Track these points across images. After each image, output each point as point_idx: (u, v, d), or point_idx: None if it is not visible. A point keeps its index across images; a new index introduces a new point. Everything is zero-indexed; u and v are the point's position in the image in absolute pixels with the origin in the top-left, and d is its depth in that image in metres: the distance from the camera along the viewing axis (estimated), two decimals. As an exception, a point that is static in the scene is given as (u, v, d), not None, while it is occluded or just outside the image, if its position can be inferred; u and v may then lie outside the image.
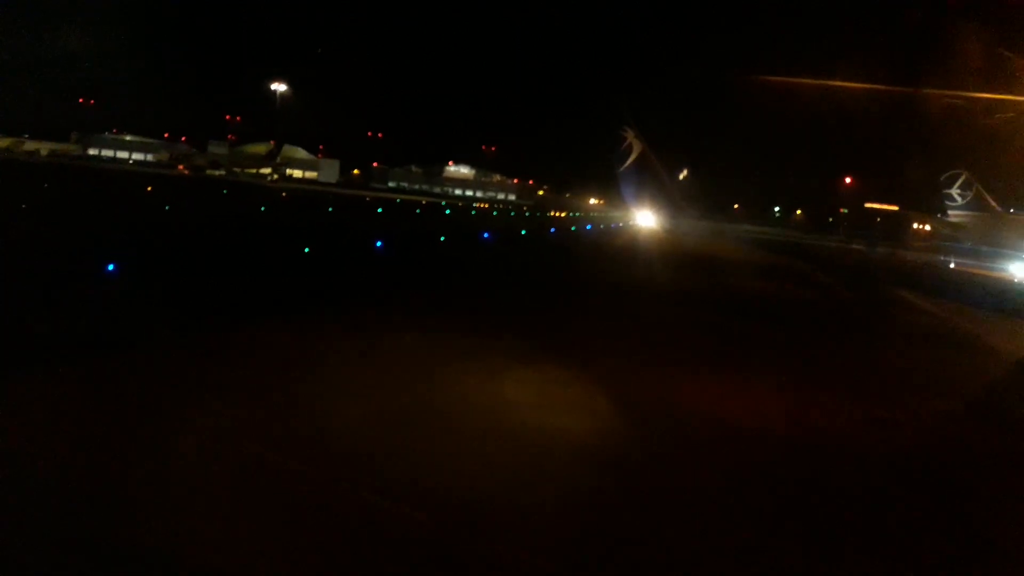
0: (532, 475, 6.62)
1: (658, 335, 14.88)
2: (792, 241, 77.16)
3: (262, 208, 46.04)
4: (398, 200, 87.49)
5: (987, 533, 6.63)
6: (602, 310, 17.81)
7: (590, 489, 6.50)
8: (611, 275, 26.66)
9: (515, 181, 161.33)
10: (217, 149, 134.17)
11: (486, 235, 38.39)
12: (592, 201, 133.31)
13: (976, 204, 70.51)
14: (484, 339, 12.43)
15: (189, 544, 4.88)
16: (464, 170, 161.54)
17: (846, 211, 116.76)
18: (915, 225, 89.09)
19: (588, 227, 62.88)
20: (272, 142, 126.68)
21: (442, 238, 34.14)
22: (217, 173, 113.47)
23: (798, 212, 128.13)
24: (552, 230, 54.01)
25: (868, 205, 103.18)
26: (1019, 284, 41.46)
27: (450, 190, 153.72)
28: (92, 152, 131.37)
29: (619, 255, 38.12)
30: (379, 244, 25.80)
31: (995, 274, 48.23)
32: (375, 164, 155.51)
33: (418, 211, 63.76)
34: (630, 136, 61.83)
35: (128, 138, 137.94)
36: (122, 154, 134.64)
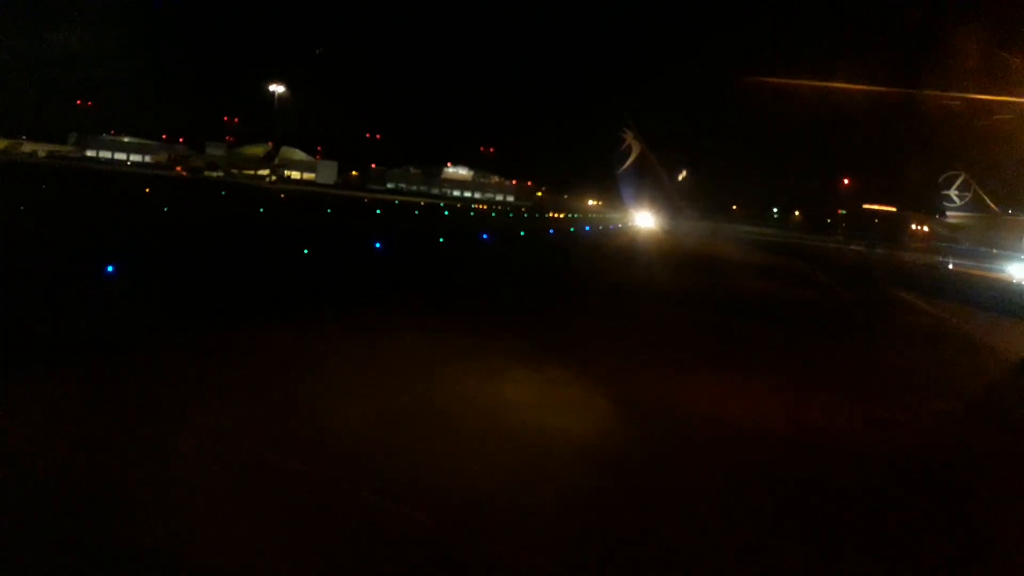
0: (532, 475, 6.62)
1: (658, 335, 14.88)
2: (791, 242, 77.20)
3: (261, 209, 45.99)
4: (396, 201, 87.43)
5: (987, 533, 6.63)
6: (602, 310, 17.81)
7: (590, 489, 6.50)
8: (611, 275, 26.67)
9: (513, 182, 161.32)
10: (215, 150, 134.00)
11: (485, 236, 38.38)
12: (590, 202, 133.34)
13: (974, 205, 70.53)
14: (484, 339, 12.43)
15: (189, 544, 4.87)
16: (462, 171, 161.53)
17: (844, 212, 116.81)
18: (913, 226, 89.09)
19: (587, 228, 62.90)
20: (270, 143, 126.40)
21: (441, 239, 34.14)
22: (215, 174, 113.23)
23: (796, 213, 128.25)
24: (551, 231, 54.02)
25: (866, 206, 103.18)
26: (1018, 285, 41.51)
27: (448, 191, 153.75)
28: (90, 153, 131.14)
29: (618, 256, 38.12)
30: (378, 245, 25.80)
31: (994, 275, 48.28)
32: (373, 165, 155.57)
33: (417, 212, 63.73)
34: (629, 137, 61.77)
35: (126, 139, 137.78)
36: (120, 155, 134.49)
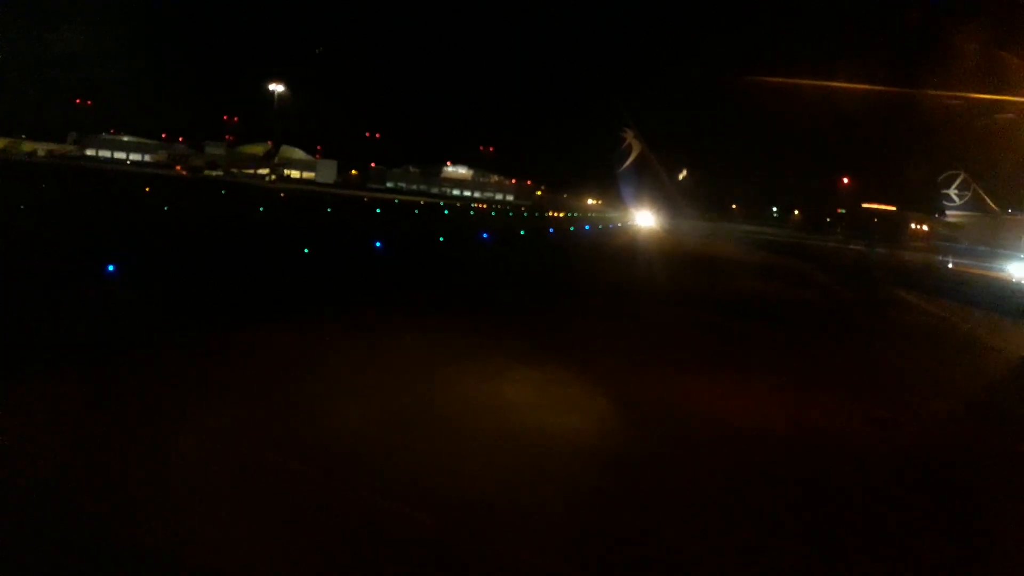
0: (532, 475, 6.62)
1: (658, 335, 14.88)
2: (791, 241, 77.16)
3: (261, 209, 45.98)
4: (396, 201, 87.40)
5: (987, 533, 6.63)
6: (602, 310, 17.81)
7: (590, 489, 6.50)
8: (610, 275, 26.67)
9: (513, 181, 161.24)
10: (214, 150, 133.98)
11: (485, 235, 38.38)
12: (589, 201, 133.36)
13: (974, 204, 70.48)
14: (484, 339, 12.43)
15: (189, 544, 4.87)
16: (462, 170, 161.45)
17: (844, 211, 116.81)
18: (913, 225, 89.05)
19: (587, 227, 62.90)
20: (270, 143, 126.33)
21: (441, 239, 34.13)
22: (215, 174, 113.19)
23: (796, 212, 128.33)
24: (551, 230, 54.01)
25: (866, 205, 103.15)
26: (1017, 284, 41.50)
27: (448, 190, 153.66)
28: (89, 152, 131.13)
29: (618, 255, 38.12)
30: (378, 244, 25.80)
31: (993, 274, 48.27)
32: (373, 164, 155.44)
33: (416, 212, 63.73)
34: (629, 136, 61.76)
35: (125, 138, 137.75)
36: (119, 155, 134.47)
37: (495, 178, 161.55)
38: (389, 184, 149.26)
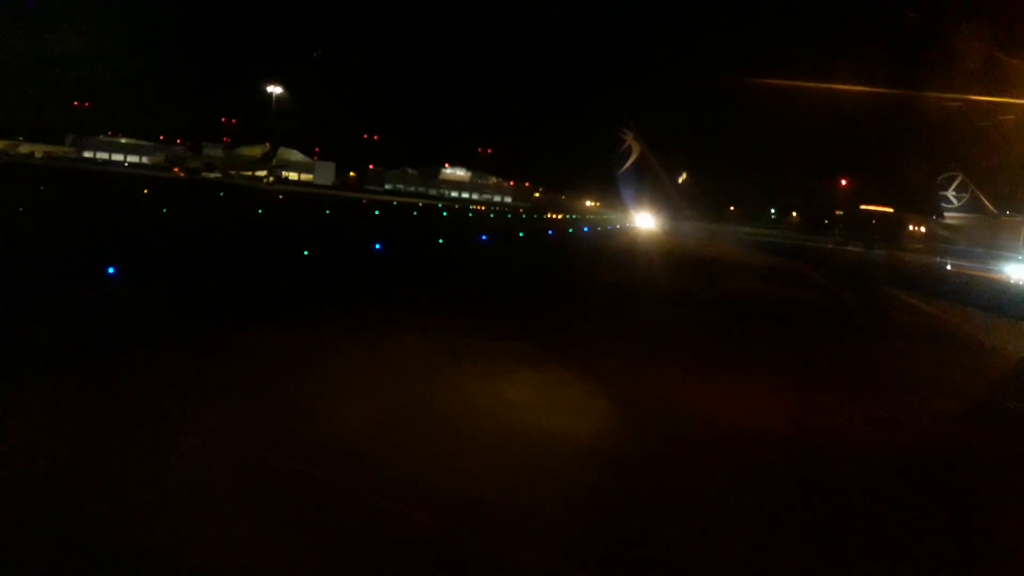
0: (533, 475, 6.61)
1: (658, 335, 14.88)
2: (789, 243, 77.25)
3: (259, 210, 45.96)
4: (395, 202, 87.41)
5: (987, 533, 6.63)
6: (602, 311, 17.81)
7: (590, 489, 6.49)
8: (610, 276, 26.67)
9: (511, 183, 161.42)
10: (212, 151, 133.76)
11: (484, 237, 38.38)
12: (589, 203, 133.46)
13: (972, 206, 70.57)
14: (484, 340, 12.42)
15: (189, 544, 4.86)
16: (460, 172, 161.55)
17: (842, 213, 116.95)
18: (911, 227, 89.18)
19: (585, 229, 62.90)
20: (268, 144, 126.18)
21: (440, 240, 34.12)
22: (212, 175, 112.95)
23: (794, 214, 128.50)
24: (550, 232, 54.02)
25: (864, 207, 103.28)
26: (1015, 285, 41.56)
27: (446, 192, 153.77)
28: (87, 154, 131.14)
29: (618, 257, 38.12)
30: (377, 246, 25.79)
31: (991, 275, 48.32)
32: (371, 166, 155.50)
33: (415, 213, 63.74)
34: (629, 138, 61.76)
35: (123, 140, 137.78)
36: (117, 156, 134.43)
37: (493, 180, 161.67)
38: (387, 186, 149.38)
